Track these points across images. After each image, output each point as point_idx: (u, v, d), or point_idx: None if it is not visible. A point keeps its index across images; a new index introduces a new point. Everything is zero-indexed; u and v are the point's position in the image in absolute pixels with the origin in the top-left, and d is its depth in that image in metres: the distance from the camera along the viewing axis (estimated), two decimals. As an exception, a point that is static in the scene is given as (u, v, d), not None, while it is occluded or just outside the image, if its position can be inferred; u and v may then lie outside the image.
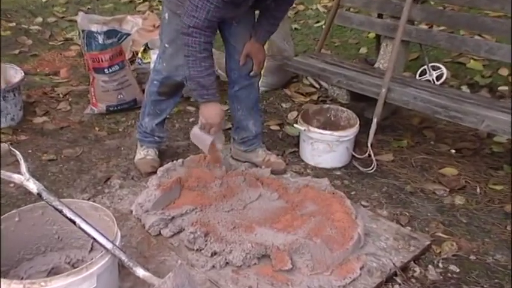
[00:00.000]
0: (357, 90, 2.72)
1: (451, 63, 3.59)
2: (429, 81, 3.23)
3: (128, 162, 2.50)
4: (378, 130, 2.55)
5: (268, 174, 2.30)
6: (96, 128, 2.86)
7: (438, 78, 3.24)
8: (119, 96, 2.99)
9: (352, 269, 1.79)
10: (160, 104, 2.33)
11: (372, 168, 2.44)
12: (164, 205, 2.01)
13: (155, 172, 2.19)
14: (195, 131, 2.12)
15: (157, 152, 2.47)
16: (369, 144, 2.49)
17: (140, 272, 1.49)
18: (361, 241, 1.91)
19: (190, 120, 3.00)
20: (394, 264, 1.84)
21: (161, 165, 2.32)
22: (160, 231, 1.94)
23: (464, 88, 3.28)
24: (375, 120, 2.51)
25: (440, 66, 3.26)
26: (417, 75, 3.31)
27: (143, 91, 2.97)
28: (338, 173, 2.50)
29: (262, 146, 2.51)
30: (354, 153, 2.54)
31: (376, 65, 3.08)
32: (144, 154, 2.42)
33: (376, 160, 2.48)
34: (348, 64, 2.96)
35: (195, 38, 1.86)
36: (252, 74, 2.26)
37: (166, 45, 2.16)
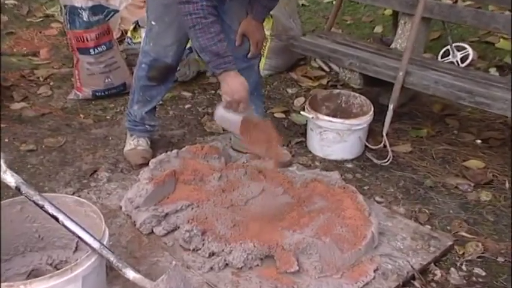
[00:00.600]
0: (371, 74, 2.72)
1: (477, 42, 3.58)
2: (453, 63, 3.22)
3: (117, 153, 2.51)
4: (394, 118, 2.55)
5: (272, 166, 2.30)
6: (81, 115, 2.86)
7: (463, 59, 3.22)
8: (106, 80, 2.99)
9: (365, 272, 1.79)
10: (150, 90, 2.32)
11: (388, 160, 2.44)
12: (157, 200, 2.01)
13: (147, 164, 2.20)
14: (221, 112, 1.94)
15: (149, 142, 2.47)
16: (384, 134, 2.49)
17: (130, 274, 1.49)
18: (375, 241, 1.91)
19: (186, 106, 3.00)
20: (412, 266, 1.84)
21: (154, 156, 2.32)
22: (152, 230, 1.94)
23: (493, 71, 3.27)
24: (391, 107, 2.50)
25: (466, 46, 3.25)
26: (439, 57, 3.30)
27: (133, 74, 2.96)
28: (349, 165, 2.50)
29: None
30: (367, 144, 2.54)
31: (392, 46, 3.06)
32: (135, 144, 2.42)
33: (392, 151, 2.48)
34: (361, 44, 2.95)
35: (195, 4, 1.80)
36: (249, 55, 2.24)
37: (153, 23, 2.13)
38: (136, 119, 2.39)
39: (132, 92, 2.38)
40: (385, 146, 2.47)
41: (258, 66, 2.35)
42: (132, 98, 2.38)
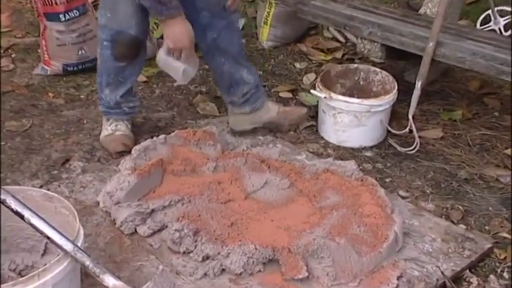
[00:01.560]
0: (395, 45, 2.70)
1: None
2: (494, 31, 3.19)
3: (93, 139, 2.50)
4: (422, 98, 2.54)
5: (278, 155, 2.30)
6: (50, 94, 2.85)
7: (507, 27, 3.19)
8: (80, 52, 2.97)
9: (387, 279, 1.78)
10: (121, 71, 2.31)
11: (414, 148, 2.43)
12: (141, 195, 2.01)
13: (129, 152, 2.20)
14: (163, 56, 2.12)
15: (129, 126, 2.47)
16: (410, 117, 2.48)
17: (109, 281, 1.49)
18: (399, 243, 1.91)
19: (175, 84, 2.99)
20: (442, 273, 1.84)
21: (136, 142, 2.32)
22: (135, 229, 1.94)
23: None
24: (418, 85, 2.49)
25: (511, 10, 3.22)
26: (478, 24, 3.27)
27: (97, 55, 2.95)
28: (369, 153, 2.50)
29: (268, 98, 2.57)
30: (389, 128, 2.53)
31: (421, 11, 3.04)
32: (112, 129, 2.42)
33: (420, 137, 2.46)
34: (384, 10, 2.93)
35: None
36: (227, 5, 2.25)
37: None
38: (111, 104, 2.39)
39: (99, 74, 2.36)
40: (411, 130, 2.46)
41: (238, 23, 2.40)
42: (100, 81, 2.37)
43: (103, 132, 2.45)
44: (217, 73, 2.50)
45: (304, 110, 2.59)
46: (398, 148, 2.48)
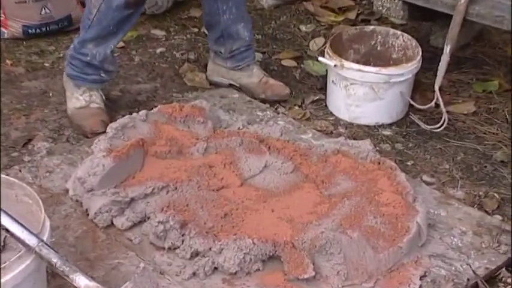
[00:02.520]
0: (419, 2, 2.67)
1: None
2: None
3: (60, 115, 2.50)
4: (451, 65, 2.53)
5: (279, 134, 2.30)
6: (8, 62, 2.84)
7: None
8: (43, 11, 2.95)
9: (408, 279, 1.79)
10: (125, 20, 2.33)
11: (442, 125, 2.43)
12: (118, 181, 2.01)
13: (104, 130, 2.19)
14: None
15: (103, 97, 2.48)
16: (437, 88, 2.47)
17: (81, 281, 1.48)
18: (422, 236, 1.91)
19: (158, 50, 2.99)
20: (474, 272, 1.84)
21: (112, 120, 2.31)
22: (112, 221, 1.94)
23: None
24: (447, 49, 2.48)
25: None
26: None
27: (82, 3, 2.91)
28: (387, 132, 2.50)
29: (257, 62, 2.68)
30: (412, 102, 2.53)
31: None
32: (86, 101, 2.42)
33: (448, 112, 2.46)
34: (407, -40, 2.90)
35: None
36: None
37: None
38: (94, 61, 2.37)
39: (88, 25, 2.34)
40: (437, 104, 2.45)
41: None
42: (86, 35, 2.35)
43: (72, 102, 2.44)
44: (212, 19, 2.58)
45: (287, 90, 2.65)
46: (422, 125, 2.48)
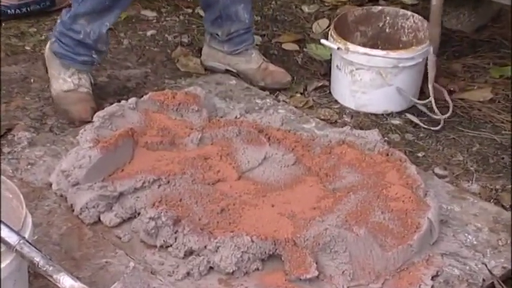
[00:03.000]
0: (431, -20, 2.67)
1: None
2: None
3: (43, 103, 2.50)
4: (466, 48, 2.51)
5: (280, 123, 2.30)
6: (-14, 46, 2.84)
7: None
8: (24, -10, 2.95)
9: (419, 279, 1.79)
10: None
11: (455, 113, 2.43)
12: (106, 174, 2.01)
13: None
14: None
15: (92, 81, 2.48)
16: (430, 87, 2.44)
17: (66, 281, 1.48)
18: (434, 233, 1.92)
19: (149, 33, 2.99)
20: (490, 271, 1.84)
21: (99, 107, 2.31)
22: (99, 217, 1.94)
23: None
24: (430, 50, 2.44)
25: None
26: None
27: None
28: (396, 121, 2.50)
29: (256, 47, 2.68)
30: (412, 99, 2.52)
31: None
32: (75, 84, 2.42)
33: (462, 100, 2.47)
34: None
35: None
36: None
37: None
38: (88, 40, 2.36)
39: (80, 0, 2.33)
40: (451, 91, 2.43)
41: None
42: (82, 7, 2.33)
43: (59, 84, 2.42)
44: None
45: (289, 77, 2.65)
46: (434, 114, 2.46)
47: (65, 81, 2.41)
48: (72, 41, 2.37)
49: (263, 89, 2.61)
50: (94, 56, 2.42)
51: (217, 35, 2.62)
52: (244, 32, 2.61)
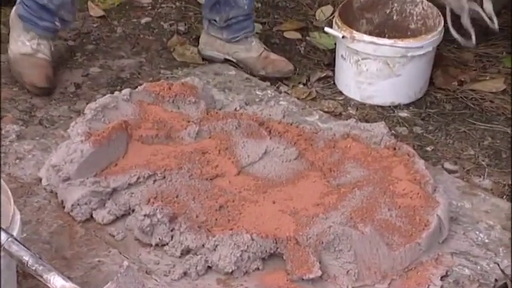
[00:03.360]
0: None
1: None
2: None
3: (32, 94, 2.47)
4: (478, 36, 2.51)
5: (281, 116, 2.30)
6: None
7: None
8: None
9: (427, 280, 1.79)
10: None
11: (466, 105, 2.44)
12: (99, 169, 2.02)
13: (52, 90, 2.27)
14: None
15: (52, 48, 2.50)
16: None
17: (57, 282, 1.48)
18: (444, 231, 1.92)
19: (143, 21, 2.97)
20: (503, 271, 1.85)
21: (91, 99, 2.31)
22: (91, 214, 1.95)
23: None
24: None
25: None
26: None
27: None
28: (404, 113, 2.50)
29: (256, 34, 2.67)
30: (433, 79, 2.53)
31: None
32: (34, 48, 2.45)
33: (473, 91, 2.47)
34: None
35: None
36: None
37: None
38: (50, 5, 2.40)
39: None
40: (462, 81, 2.42)
41: None
42: None
43: (17, 46, 2.46)
44: None
45: (291, 66, 2.65)
46: (445, 106, 2.46)
47: (24, 45, 2.46)
48: (35, 4, 2.41)
49: (264, 79, 2.61)
50: (57, 23, 2.45)
51: (215, 21, 2.62)
52: (243, 18, 2.61)
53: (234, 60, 2.67)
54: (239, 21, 2.60)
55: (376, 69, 2.47)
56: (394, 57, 2.45)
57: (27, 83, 2.41)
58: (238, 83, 2.57)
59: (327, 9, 3.05)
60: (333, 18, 2.60)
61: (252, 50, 2.64)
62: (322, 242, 1.79)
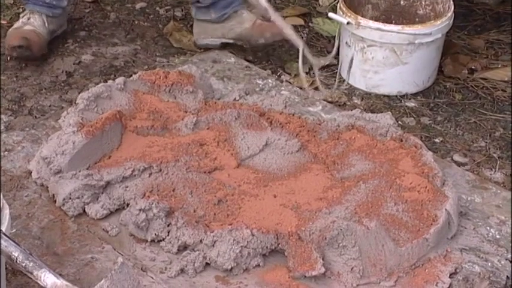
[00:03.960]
0: None
1: None
2: None
3: (21, 83, 2.50)
4: (489, 22, 2.51)
5: (283, 106, 2.30)
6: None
7: None
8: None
9: (435, 277, 1.80)
10: None
11: (476, 95, 2.44)
12: (92, 161, 2.02)
13: (28, 50, 2.36)
14: None
15: (48, 26, 2.56)
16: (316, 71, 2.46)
17: (48, 279, 1.49)
18: (453, 227, 1.92)
19: (138, 6, 2.98)
20: (513, 268, 1.87)
21: (84, 87, 2.32)
22: (84, 209, 1.95)
23: None
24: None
25: None
26: None
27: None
28: (411, 103, 2.51)
29: (244, 6, 2.67)
30: (442, 67, 2.53)
31: None
32: (23, 22, 2.55)
33: (484, 79, 2.47)
34: None
35: None
36: None
37: None
38: None
39: None
40: (472, 70, 2.43)
41: None
42: None
43: (15, 24, 2.59)
44: None
45: (290, 26, 2.60)
46: (454, 95, 2.46)
47: (17, 22, 2.58)
48: None
49: (264, 49, 2.61)
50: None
51: (198, 2, 2.61)
52: None
53: (231, 41, 2.66)
54: None
55: (383, 57, 2.47)
56: (401, 45, 2.45)
57: (6, 48, 2.51)
58: (237, 71, 2.57)
59: (331, -6, 3.05)
60: (337, 3, 2.59)
61: (244, 22, 2.64)
62: (326, 238, 1.79)
